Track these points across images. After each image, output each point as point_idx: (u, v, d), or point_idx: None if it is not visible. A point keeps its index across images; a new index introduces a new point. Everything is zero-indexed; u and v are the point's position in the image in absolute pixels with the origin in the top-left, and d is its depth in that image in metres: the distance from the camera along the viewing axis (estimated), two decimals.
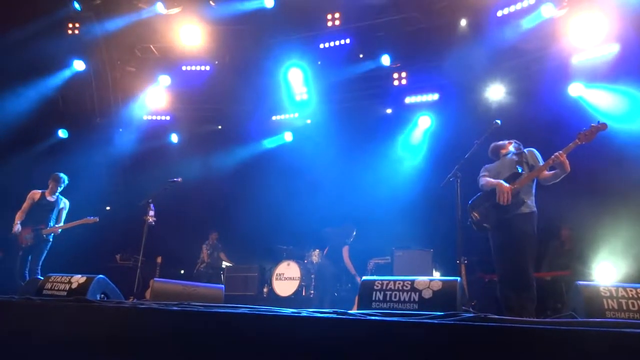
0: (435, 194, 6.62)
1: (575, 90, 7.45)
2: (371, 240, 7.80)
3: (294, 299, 7.20)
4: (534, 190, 4.24)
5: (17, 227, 6.08)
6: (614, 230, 6.12)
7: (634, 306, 2.59)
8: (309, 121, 9.62)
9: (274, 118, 9.78)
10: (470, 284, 6.37)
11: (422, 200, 7.60)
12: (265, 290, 7.88)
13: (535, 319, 2.08)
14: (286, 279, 7.60)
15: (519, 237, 4.02)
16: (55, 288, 3.55)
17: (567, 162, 3.93)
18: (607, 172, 6.27)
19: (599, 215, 6.18)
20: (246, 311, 2.47)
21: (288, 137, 9.86)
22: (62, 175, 6.38)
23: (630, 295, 2.63)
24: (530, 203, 4.17)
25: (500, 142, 4.55)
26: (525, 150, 4.41)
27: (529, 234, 4.05)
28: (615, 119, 7.00)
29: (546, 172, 4.14)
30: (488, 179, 4.33)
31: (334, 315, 2.29)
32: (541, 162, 4.23)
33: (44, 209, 6.19)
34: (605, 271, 6.15)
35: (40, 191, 6.30)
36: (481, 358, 1.84)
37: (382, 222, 7.76)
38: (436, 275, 6.93)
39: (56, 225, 6.23)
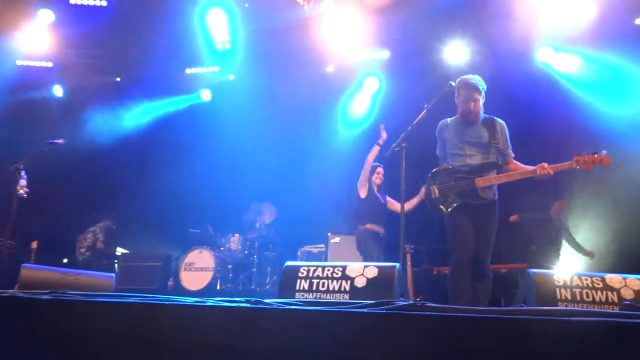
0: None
1: (544, 55, 7.81)
2: (303, 224, 7.91)
3: (206, 294, 7.17)
4: None
5: None
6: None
7: (588, 297, 2.80)
8: (232, 77, 9.48)
9: (187, 71, 9.53)
10: (417, 277, 6.64)
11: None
12: (170, 283, 7.87)
13: (479, 308, 2.19)
14: (197, 269, 7.59)
15: (490, 225, 4.34)
16: None
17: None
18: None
19: None
20: (137, 300, 2.42)
21: (205, 95, 9.67)
22: None
23: (586, 285, 2.84)
24: (496, 190, 4.48)
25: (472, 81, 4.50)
26: (497, 119, 4.59)
27: (496, 222, 4.40)
28: (583, 87, 7.49)
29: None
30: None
31: (246, 305, 2.30)
32: (509, 142, 4.53)
33: None
34: None
35: None
36: (414, 350, 1.92)
37: (316, 203, 7.86)
38: None
39: None
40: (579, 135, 7.22)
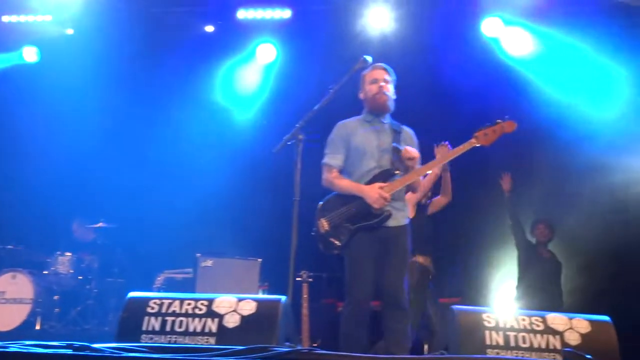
0: (272, 169, 6.82)
1: (491, 28, 8.17)
2: (163, 241, 7.81)
3: (19, 336, 6.89)
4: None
5: None
6: None
7: (525, 342, 2.97)
8: (70, 31, 9.19)
9: (4, 19, 9.14)
10: (315, 314, 6.72)
11: (252, 179, 7.77)
12: None
13: (381, 356, 2.27)
14: (8, 301, 7.36)
15: (400, 250, 4.60)
16: None
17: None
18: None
19: None
20: None
21: (29, 55, 9.32)
22: None
23: (523, 327, 3.01)
24: (407, 210, 4.80)
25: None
26: (404, 127, 4.86)
27: (408, 247, 4.69)
28: (543, 73, 8.01)
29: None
30: (339, 181, 4.68)
31: (67, 351, 2.27)
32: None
33: None
34: None
35: None
36: None
37: (183, 212, 7.81)
38: None
39: None
40: (537, 134, 7.69)
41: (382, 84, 4.66)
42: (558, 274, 7.47)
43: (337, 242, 4.55)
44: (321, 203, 4.73)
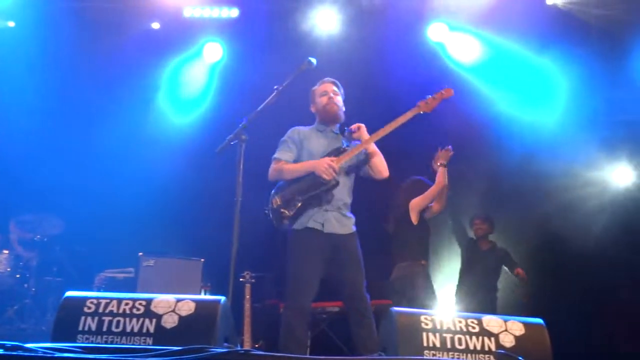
0: (214, 169, 6.79)
1: (437, 33, 8.32)
2: (104, 241, 7.71)
3: None
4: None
5: None
6: None
7: (461, 344, 3.03)
8: (11, 24, 9.00)
9: None
10: (258, 315, 6.72)
11: (195, 178, 7.74)
12: None
13: (315, 357, 2.29)
14: None
15: (355, 250, 4.80)
16: None
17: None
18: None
19: None
20: None
21: None
22: None
23: (459, 329, 3.07)
24: (354, 218, 4.95)
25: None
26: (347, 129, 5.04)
27: (361, 257, 4.83)
28: (485, 78, 8.19)
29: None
30: (287, 165, 4.83)
31: None
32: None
33: None
34: None
35: None
36: None
37: (124, 211, 7.76)
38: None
39: None
40: (476, 134, 7.84)
41: (332, 95, 4.94)
42: (505, 260, 7.57)
43: (287, 212, 4.68)
44: (274, 190, 4.87)
